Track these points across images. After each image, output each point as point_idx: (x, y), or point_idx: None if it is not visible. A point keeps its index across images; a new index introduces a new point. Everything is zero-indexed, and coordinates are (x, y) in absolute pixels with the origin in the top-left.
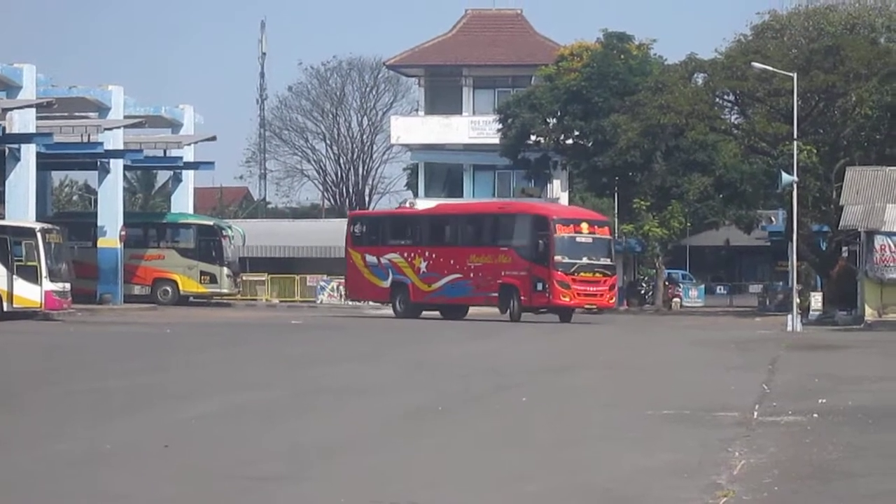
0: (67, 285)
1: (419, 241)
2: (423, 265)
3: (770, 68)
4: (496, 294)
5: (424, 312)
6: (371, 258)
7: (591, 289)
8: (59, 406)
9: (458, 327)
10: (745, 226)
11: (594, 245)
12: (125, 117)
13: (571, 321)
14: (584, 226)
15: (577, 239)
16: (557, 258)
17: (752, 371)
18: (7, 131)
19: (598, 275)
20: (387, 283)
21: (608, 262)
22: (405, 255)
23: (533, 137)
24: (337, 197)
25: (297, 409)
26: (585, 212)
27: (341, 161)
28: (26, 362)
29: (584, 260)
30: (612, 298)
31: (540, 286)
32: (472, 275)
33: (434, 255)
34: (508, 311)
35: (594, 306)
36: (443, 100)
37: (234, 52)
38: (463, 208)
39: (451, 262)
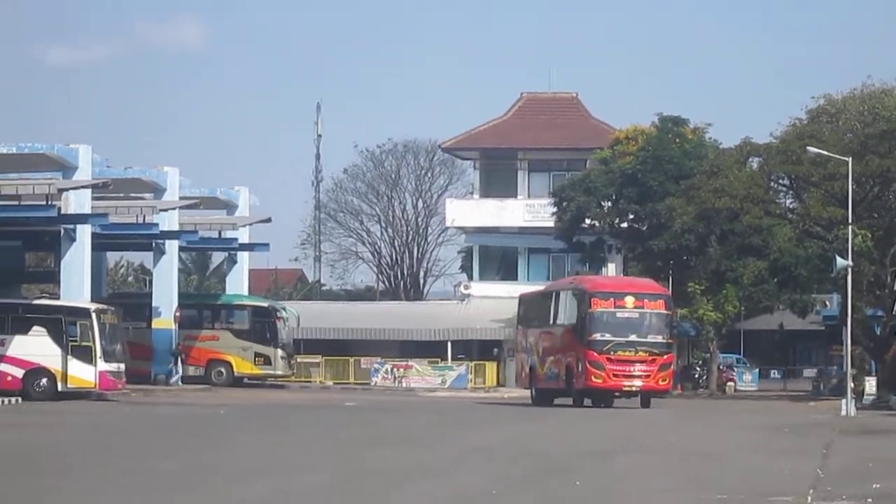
0: (122, 365)
1: (541, 322)
2: (540, 347)
3: (825, 153)
4: (565, 377)
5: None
6: (523, 340)
7: (633, 369)
8: (112, 485)
9: (509, 411)
10: (800, 310)
11: (641, 321)
12: (180, 198)
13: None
14: (630, 300)
15: (619, 314)
16: (595, 336)
17: (805, 455)
18: (63, 212)
19: (642, 354)
20: (528, 367)
21: (659, 339)
22: (536, 336)
23: (588, 221)
24: (391, 279)
25: (348, 492)
26: (638, 284)
27: (396, 243)
28: (80, 442)
29: (632, 337)
30: (663, 380)
31: (580, 367)
32: (558, 356)
33: (544, 336)
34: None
35: (636, 387)
36: (498, 183)
37: (290, 134)
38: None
39: (550, 343)
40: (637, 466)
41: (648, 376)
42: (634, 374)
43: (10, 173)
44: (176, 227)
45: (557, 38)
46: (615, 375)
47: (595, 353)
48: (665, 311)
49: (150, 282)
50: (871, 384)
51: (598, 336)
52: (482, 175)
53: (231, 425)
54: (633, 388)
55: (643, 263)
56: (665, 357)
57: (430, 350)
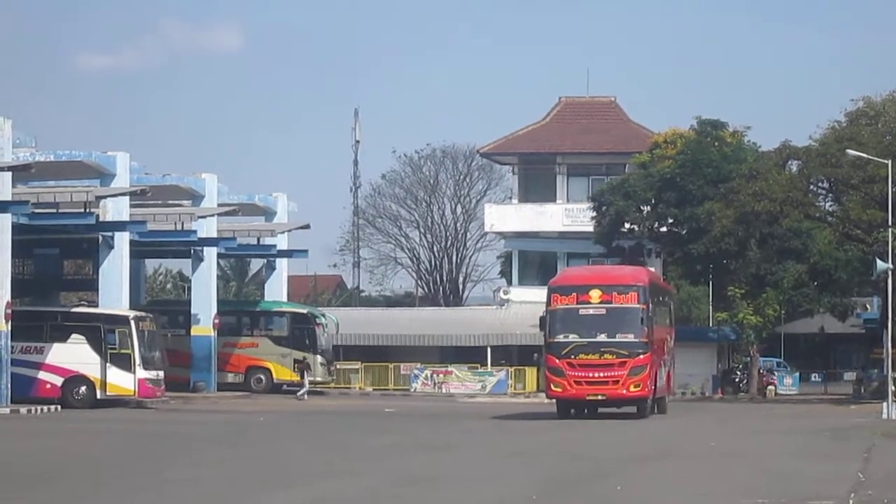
0: (161, 373)
1: None
2: None
3: (864, 155)
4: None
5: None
6: None
7: (598, 375)
8: (152, 494)
9: (543, 417)
10: (840, 313)
11: (609, 318)
12: (219, 205)
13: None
14: (595, 294)
15: (581, 312)
16: (556, 338)
17: (846, 459)
18: (101, 219)
19: (609, 356)
20: None
21: (629, 338)
22: None
23: (627, 225)
24: (430, 285)
25: (388, 498)
26: (609, 274)
27: (435, 249)
28: (119, 450)
29: (600, 337)
30: (635, 386)
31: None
32: None
33: None
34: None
35: (602, 396)
36: (536, 187)
37: (328, 139)
38: None
39: None
40: (678, 471)
41: (617, 382)
42: (599, 380)
43: (49, 181)
44: (214, 234)
45: (595, 42)
46: (577, 383)
47: (555, 359)
48: (637, 305)
49: (189, 289)
50: None
51: (559, 338)
52: (521, 180)
53: (270, 433)
54: (598, 398)
55: (682, 267)
56: (637, 359)
57: (470, 355)
